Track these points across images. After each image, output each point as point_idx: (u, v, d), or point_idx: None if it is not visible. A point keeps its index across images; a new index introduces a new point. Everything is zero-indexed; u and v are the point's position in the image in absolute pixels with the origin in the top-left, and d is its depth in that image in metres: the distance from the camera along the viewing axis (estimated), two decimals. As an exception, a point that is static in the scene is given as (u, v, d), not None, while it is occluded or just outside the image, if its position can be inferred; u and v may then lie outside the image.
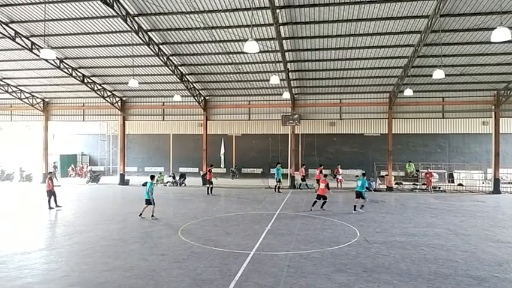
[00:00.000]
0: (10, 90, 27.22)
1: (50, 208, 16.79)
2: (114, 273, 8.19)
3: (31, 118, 30.92)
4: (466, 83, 23.80)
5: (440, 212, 16.47)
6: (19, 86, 27.55)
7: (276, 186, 23.77)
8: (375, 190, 24.52)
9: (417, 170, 26.63)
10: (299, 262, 8.99)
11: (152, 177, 15.86)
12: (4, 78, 26.30)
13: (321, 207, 16.30)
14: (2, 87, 26.63)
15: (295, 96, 26.88)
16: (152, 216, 14.54)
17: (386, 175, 25.80)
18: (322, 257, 9.41)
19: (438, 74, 17.01)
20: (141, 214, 14.83)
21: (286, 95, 24.23)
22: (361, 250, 10.09)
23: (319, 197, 16.38)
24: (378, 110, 26.67)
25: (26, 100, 28.64)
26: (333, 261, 9.05)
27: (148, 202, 14.87)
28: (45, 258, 9.42)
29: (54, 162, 32.31)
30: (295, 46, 19.98)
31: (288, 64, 21.73)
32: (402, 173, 27.29)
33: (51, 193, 17.06)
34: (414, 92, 22.98)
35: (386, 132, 26.26)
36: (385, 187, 25.02)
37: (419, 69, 22.03)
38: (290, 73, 23.02)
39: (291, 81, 24.22)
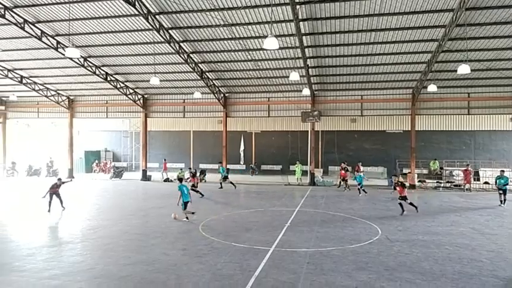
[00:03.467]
0: (37, 88, 28.11)
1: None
2: (137, 267, 8.38)
3: (57, 115, 31.88)
4: (493, 78, 23.01)
5: (465, 211, 16.03)
6: (45, 84, 28.41)
7: (220, 182, 23.57)
8: (397, 188, 24.03)
9: (441, 168, 25.96)
10: (319, 259, 8.95)
11: (180, 179, 15.14)
12: (31, 77, 27.18)
13: (413, 206, 15.32)
14: (29, 85, 27.53)
15: (315, 92, 26.66)
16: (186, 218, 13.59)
17: (409, 173, 25.27)
18: (342, 255, 9.33)
19: (463, 69, 16.50)
20: (187, 218, 13.55)
21: (306, 91, 24.06)
22: (382, 248, 9.95)
23: (401, 198, 15.21)
24: (401, 106, 26.13)
25: (51, 98, 29.52)
26: (354, 259, 8.97)
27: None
28: (71, 251, 9.72)
29: (13, 159, 31.93)
30: (315, 42, 19.80)
31: (308, 60, 21.56)
32: (425, 171, 26.65)
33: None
34: (438, 87, 22.40)
35: (409, 129, 25.72)
36: (408, 185, 24.50)
37: (443, 64, 21.44)
38: (310, 69, 22.84)
39: (311, 78, 24.03)
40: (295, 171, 26.41)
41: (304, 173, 26.50)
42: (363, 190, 20.95)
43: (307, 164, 26.71)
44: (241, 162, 32.25)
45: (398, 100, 25.99)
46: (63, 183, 16.01)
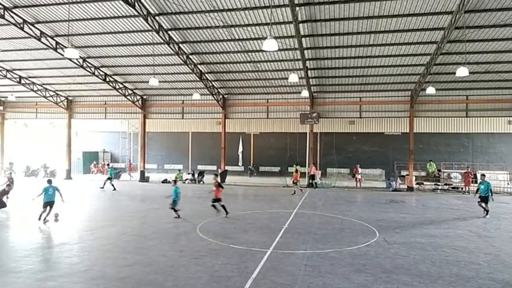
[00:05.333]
0: (35, 88, 28.07)
1: None
2: (134, 268, 8.36)
3: (55, 116, 31.81)
4: (491, 80, 23.08)
5: (462, 213, 16.05)
6: (44, 84, 28.36)
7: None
8: (395, 190, 24.11)
9: (439, 170, 26.02)
10: (316, 261, 8.94)
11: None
12: (30, 77, 27.13)
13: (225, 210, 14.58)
14: (28, 86, 27.49)
15: (314, 94, 26.70)
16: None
17: (407, 175, 25.33)
18: (340, 257, 9.33)
19: (462, 72, 16.55)
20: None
21: (305, 93, 24.10)
22: (380, 250, 9.95)
23: (215, 200, 14.48)
24: (399, 108, 26.20)
25: (50, 98, 29.47)
26: (351, 261, 8.97)
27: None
28: (68, 252, 9.69)
29: (10, 160, 31.82)
30: (315, 44, 19.83)
31: (307, 62, 21.60)
32: (423, 173, 26.73)
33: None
34: (437, 90, 22.45)
35: (408, 131, 25.78)
36: (406, 187, 24.57)
37: (442, 66, 21.50)
38: (309, 71, 22.87)
39: (310, 79, 24.07)
40: (293, 173, 26.42)
41: (302, 174, 26.51)
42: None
43: (305, 166, 26.73)
44: (240, 164, 32.28)
45: (396, 102, 26.06)
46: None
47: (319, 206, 17.76)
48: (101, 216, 14.71)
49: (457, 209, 17.17)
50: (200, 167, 31.47)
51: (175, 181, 15.63)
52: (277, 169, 31.34)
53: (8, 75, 25.82)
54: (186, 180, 28.46)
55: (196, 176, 28.58)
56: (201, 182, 27.87)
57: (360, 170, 25.73)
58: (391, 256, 9.49)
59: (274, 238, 11.07)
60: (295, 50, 19.68)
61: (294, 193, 21.64)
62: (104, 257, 9.34)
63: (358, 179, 25.68)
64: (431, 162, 26.28)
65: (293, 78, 19.33)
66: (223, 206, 14.43)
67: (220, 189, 14.61)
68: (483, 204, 15.25)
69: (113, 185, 23.10)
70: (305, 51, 20.21)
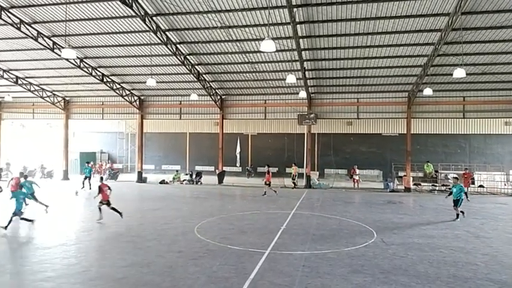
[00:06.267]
0: (32, 89, 27.97)
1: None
2: (132, 269, 8.33)
3: (52, 116, 31.70)
4: (488, 82, 23.20)
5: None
6: (41, 84, 28.27)
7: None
8: (393, 191, 24.16)
9: (436, 171, 26.09)
10: (314, 262, 8.94)
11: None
12: (27, 77, 27.03)
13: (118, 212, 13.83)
14: (24, 86, 27.38)
15: (311, 95, 26.74)
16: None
17: (404, 176, 25.39)
18: (338, 258, 9.33)
19: (459, 73, 16.61)
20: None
21: (303, 94, 24.14)
22: (378, 251, 9.96)
23: (103, 203, 13.74)
24: (396, 109, 26.29)
25: (47, 99, 29.38)
26: (349, 262, 8.97)
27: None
28: (65, 253, 9.64)
29: (7, 160, 31.82)
30: (312, 45, 19.87)
31: (305, 63, 21.63)
32: (421, 174, 26.79)
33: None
34: (434, 91, 22.54)
35: (405, 132, 25.86)
36: (403, 188, 24.62)
37: (439, 68, 21.60)
38: (307, 72, 22.91)
39: (308, 80, 24.11)
40: (291, 173, 26.43)
41: (300, 175, 26.52)
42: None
43: (303, 167, 26.75)
44: (238, 165, 32.24)
45: (394, 103, 26.14)
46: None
47: (317, 206, 17.76)
48: (97, 217, 14.63)
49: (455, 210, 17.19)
50: (198, 168, 31.42)
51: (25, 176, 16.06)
52: (275, 170, 31.32)
53: (5, 76, 25.73)
54: (183, 181, 28.42)
55: (194, 176, 28.54)
56: (199, 183, 27.84)
57: (357, 171, 25.76)
58: (389, 257, 9.50)
59: (272, 239, 11.05)
60: (293, 51, 19.71)
61: (267, 193, 21.06)
62: (101, 257, 9.30)
63: (355, 180, 25.72)
64: (429, 163, 26.35)
65: (291, 79, 19.36)
66: (113, 208, 13.58)
67: (108, 191, 13.88)
68: (457, 208, 14.63)
69: (89, 184, 23.02)
70: (303, 52, 20.24)
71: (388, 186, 24.54)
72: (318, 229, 12.67)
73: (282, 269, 8.37)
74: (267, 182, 21.46)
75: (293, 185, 25.53)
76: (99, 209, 13.62)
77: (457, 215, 14.66)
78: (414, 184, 25.11)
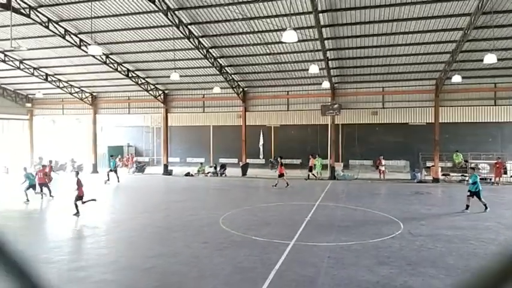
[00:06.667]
0: (61, 85, 28.89)
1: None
2: (160, 259, 8.55)
3: (81, 111, 32.69)
4: (522, 67, 22.13)
5: (491, 205, 15.55)
6: (69, 81, 29.14)
7: None
8: (420, 182, 23.60)
9: (466, 161, 25.25)
10: (340, 253, 8.89)
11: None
12: (56, 74, 27.93)
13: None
14: (54, 83, 28.33)
15: (335, 85, 26.33)
16: None
17: (432, 166, 24.71)
18: (363, 249, 9.24)
19: (490, 59, 15.92)
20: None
21: (326, 84, 23.80)
22: (404, 243, 9.79)
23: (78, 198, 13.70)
24: (424, 98, 25.51)
25: (75, 94, 30.28)
26: (375, 254, 8.87)
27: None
28: (97, 243, 10.00)
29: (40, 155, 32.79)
30: (335, 34, 19.51)
31: (328, 52, 21.28)
32: (450, 164, 25.99)
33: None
34: (463, 78, 21.72)
35: (433, 121, 25.10)
36: (431, 178, 23.99)
37: (468, 54, 20.74)
38: (330, 62, 22.54)
39: (331, 70, 23.72)
40: (315, 165, 26.24)
41: (324, 167, 26.30)
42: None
43: (327, 158, 26.50)
44: (261, 157, 32.28)
45: (421, 92, 25.38)
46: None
47: (342, 198, 17.61)
48: (126, 209, 15.09)
49: (486, 201, 16.64)
50: (222, 160, 31.68)
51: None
52: (298, 161, 31.17)
53: (35, 73, 26.67)
54: (208, 173, 28.76)
55: (218, 169, 28.83)
56: (223, 175, 28.10)
57: (383, 162, 25.27)
58: (416, 248, 9.33)
59: (296, 230, 11.06)
60: (315, 40, 19.42)
61: (277, 185, 20.98)
62: (130, 248, 9.60)
63: (381, 171, 25.25)
64: (458, 153, 25.52)
65: (313, 69, 19.12)
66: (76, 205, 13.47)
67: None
68: (482, 200, 13.86)
69: (117, 177, 23.65)
70: (325, 42, 19.90)
71: (416, 176, 23.97)
72: (343, 220, 12.57)
73: (307, 260, 8.38)
74: (280, 174, 21.49)
75: (314, 177, 25.32)
76: (75, 205, 13.40)
77: (467, 206, 13.95)
78: (443, 174, 24.41)
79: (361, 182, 24.09)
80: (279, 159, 22.61)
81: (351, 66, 23.72)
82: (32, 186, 16.51)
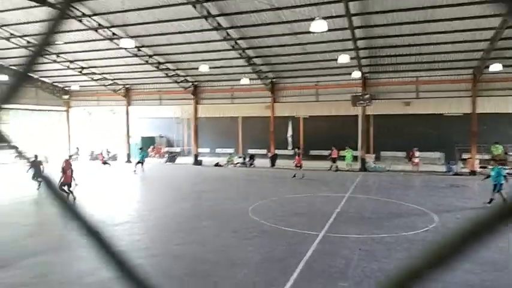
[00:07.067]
0: (96, 78, 29.85)
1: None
2: (190, 247, 8.72)
3: (114, 103, 33.69)
4: None
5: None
6: (103, 73, 30.04)
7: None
8: (456, 174, 22.74)
9: (506, 153, 24.06)
10: (371, 246, 8.74)
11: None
12: (90, 67, 28.86)
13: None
14: (89, 75, 29.31)
15: (366, 75, 25.67)
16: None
17: (469, 158, 23.73)
18: (396, 242, 9.04)
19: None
20: None
21: (356, 74, 23.24)
22: (439, 237, 9.49)
23: None
24: (460, 87, 24.42)
25: (109, 87, 31.21)
26: (408, 247, 8.65)
27: None
28: (130, 230, 10.34)
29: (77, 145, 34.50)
30: (366, 22, 18.93)
31: (358, 42, 20.71)
32: (488, 156, 24.84)
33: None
34: (504, 66, 20.58)
35: (470, 112, 24.02)
36: (468, 171, 23.06)
37: (509, 41, 19.57)
38: (360, 51, 21.95)
39: (361, 60, 23.11)
40: (345, 156, 25.86)
41: (354, 158, 25.85)
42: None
43: (357, 150, 26.01)
44: (289, 148, 32.15)
45: (457, 81, 24.29)
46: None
47: (373, 190, 17.27)
48: (158, 198, 15.48)
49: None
50: (250, 151, 31.80)
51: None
52: (327, 152, 30.80)
53: (71, 66, 27.66)
54: (237, 163, 28.99)
55: (246, 159, 28.99)
56: (252, 166, 28.23)
57: (417, 154, 24.51)
58: (452, 242, 9.02)
59: (326, 222, 10.96)
60: (345, 29, 18.93)
61: (296, 176, 21.10)
62: (161, 235, 9.85)
63: (415, 163, 24.51)
64: (497, 145, 24.34)
65: (343, 59, 18.72)
66: (71, 191, 13.87)
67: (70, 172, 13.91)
68: (502, 193, 13.07)
69: (142, 169, 24.01)
70: (355, 31, 19.36)
71: (451, 169, 23.12)
72: (375, 213, 12.33)
73: (337, 252, 8.29)
74: (298, 165, 21.38)
75: (335, 168, 24.95)
76: (63, 191, 13.41)
77: (491, 200, 13.17)
78: (480, 167, 23.38)
79: (393, 174, 23.52)
80: (296, 149, 22.60)
81: (383, 55, 23.01)
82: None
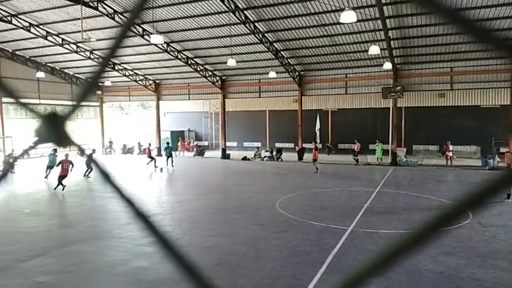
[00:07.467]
0: (127, 73, 30.69)
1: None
2: (219, 238, 8.90)
3: (145, 98, 34.55)
4: None
5: None
6: (134, 69, 30.84)
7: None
8: (493, 168, 21.79)
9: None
10: (401, 241, 8.58)
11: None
12: (122, 63, 29.70)
13: None
14: (120, 71, 30.18)
15: (397, 66, 24.93)
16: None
17: (507, 152, 22.64)
18: (427, 238, 8.82)
19: None
20: None
21: (387, 65, 22.62)
22: (473, 233, 9.18)
23: None
24: (498, 78, 23.27)
25: (140, 82, 32.01)
26: (440, 243, 8.42)
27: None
28: (162, 221, 10.66)
29: (110, 139, 35.59)
30: (398, 12, 18.38)
31: (390, 32, 20.14)
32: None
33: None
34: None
35: (509, 103, 22.89)
36: (506, 165, 22.03)
37: (555, 26, 18.47)
38: (392, 41, 21.34)
39: (393, 50, 22.46)
40: (375, 150, 25.34)
41: (385, 152, 25.27)
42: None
43: (388, 143, 25.42)
44: (317, 141, 31.87)
45: (495, 71, 23.16)
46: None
47: (404, 185, 16.87)
48: (189, 190, 15.82)
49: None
50: (278, 145, 31.79)
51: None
52: (356, 146, 30.33)
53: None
54: (264, 157, 29.06)
55: (274, 153, 29.00)
56: (279, 160, 28.23)
57: (451, 147, 23.65)
58: (487, 239, 8.71)
59: (354, 216, 10.84)
60: (376, 19, 18.44)
61: (318, 169, 20.83)
62: (192, 227, 10.10)
63: (448, 157, 23.66)
64: (538, 138, 23.08)
65: (374, 50, 18.27)
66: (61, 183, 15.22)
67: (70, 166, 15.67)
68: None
69: (172, 163, 24.16)
70: (387, 20, 18.82)
71: (487, 163, 22.16)
72: (405, 208, 12.07)
73: (366, 247, 8.21)
74: (314, 158, 21.14)
75: (356, 161, 24.55)
76: (60, 183, 15.12)
77: (508, 195, 12.42)
78: (519, 161, 22.27)
79: (425, 168, 22.84)
80: (313, 143, 22.35)
81: (416, 45, 22.27)
82: (50, 167, 17.70)
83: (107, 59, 0.53)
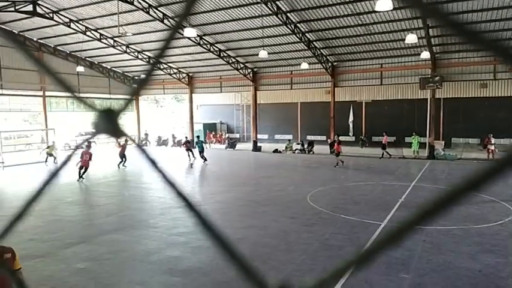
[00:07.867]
0: (161, 67, 31.34)
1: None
2: (250, 230, 8.98)
3: (179, 91, 35.19)
4: None
5: None
6: (168, 63, 31.44)
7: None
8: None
9: None
10: (437, 238, 8.30)
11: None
12: (157, 57, 30.33)
13: None
14: (155, 65, 30.84)
15: (436, 55, 23.86)
16: None
17: (555, 145, 21.23)
18: (465, 235, 8.48)
19: None
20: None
21: (425, 54, 21.70)
22: (516, 231, 8.72)
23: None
24: (548, 66, 21.74)
25: (174, 75, 32.63)
26: (479, 241, 8.08)
27: None
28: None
29: (146, 131, 36.58)
30: (438, -2, 17.55)
31: (428, 19, 19.28)
32: None
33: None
34: None
35: (559, 93, 21.40)
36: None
37: None
38: (430, 29, 20.42)
39: (432, 39, 21.51)
40: (411, 143, 24.52)
41: (422, 145, 24.40)
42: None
43: (425, 136, 24.51)
44: (351, 134, 31.28)
45: (545, 59, 21.63)
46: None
47: (442, 179, 16.26)
48: (220, 182, 16.04)
49: None
50: (309, 137, 31.50)
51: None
52: (392, 139, 29.48)
53: (139, 56, 29.31)
54: (295, 150, 28.91)
55: (305, 146, 28.77)
56: (311, 152, 27.98)
57: (493, 140, 22.46)
58: (531, 238, 8.24)
59: (388, 211, 10.59)
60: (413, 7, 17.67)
61: (339, 164, 20.23)
62: (222, 219, 10.24)
63: (490, 151, 22.49)
64: None
65: (411, 39, 17.60)
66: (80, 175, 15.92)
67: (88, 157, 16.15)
68: None
69: (203, 157, 22.48)
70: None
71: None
72: (442, 203, 11.62)
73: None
74: (336, 152, 20.64)
75: (388, 155, 23.75)
76: (79, 172, 15.85)
77: None
78: None
79: (465, 162, 21.87)
80: (335, 137, 21.85)
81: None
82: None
83: (157, 59, 0.58)
